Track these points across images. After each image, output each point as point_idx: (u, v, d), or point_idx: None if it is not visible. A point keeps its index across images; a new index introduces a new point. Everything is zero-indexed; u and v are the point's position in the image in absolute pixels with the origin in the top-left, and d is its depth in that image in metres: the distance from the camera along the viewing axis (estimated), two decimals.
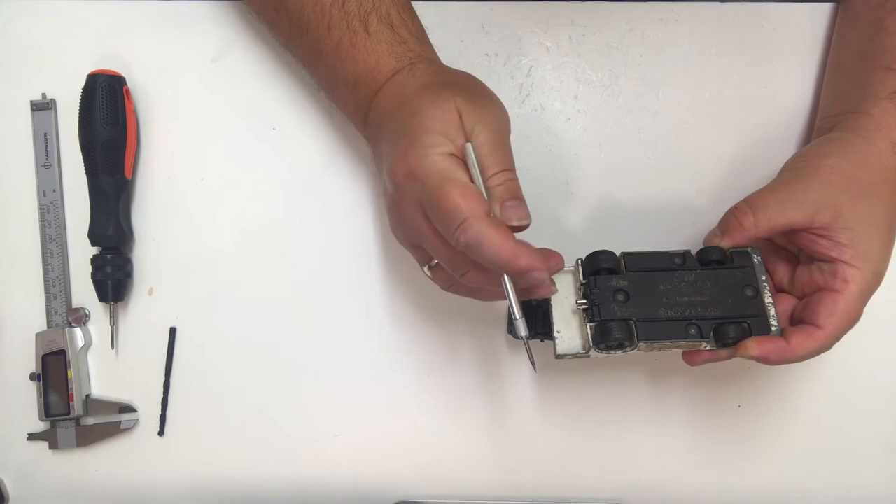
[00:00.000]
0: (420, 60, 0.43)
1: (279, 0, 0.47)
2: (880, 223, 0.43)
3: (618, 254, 0.45)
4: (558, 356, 0.44)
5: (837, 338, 0.42)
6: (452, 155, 0.38)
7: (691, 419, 0.54)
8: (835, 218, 0.42)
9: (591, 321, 0.43)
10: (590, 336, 0.43)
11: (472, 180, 0.39)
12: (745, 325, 0.43)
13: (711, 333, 0.43)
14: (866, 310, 0.43)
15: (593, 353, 0.43)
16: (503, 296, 0.40)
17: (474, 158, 0.38)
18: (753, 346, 0.42)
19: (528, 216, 0.39)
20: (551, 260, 0.41)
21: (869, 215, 0.42)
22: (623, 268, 0.44)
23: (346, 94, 0.47)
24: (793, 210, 0.43)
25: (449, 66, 0.46)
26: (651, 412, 0.54)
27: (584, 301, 0.44)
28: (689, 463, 0.54)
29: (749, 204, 0.44)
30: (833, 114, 0.50)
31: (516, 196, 0.39)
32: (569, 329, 0.45)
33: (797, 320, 0.44)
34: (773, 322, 0.43)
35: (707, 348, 0.43)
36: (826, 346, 0.42)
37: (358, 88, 0.45)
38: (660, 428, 0.54)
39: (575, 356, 0.44)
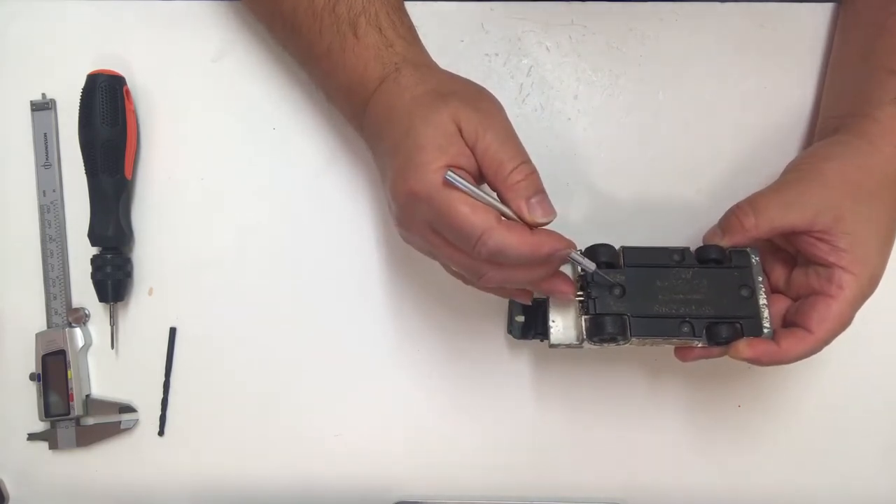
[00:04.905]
0: (406, 65, 0.43)
1: (273, 2, 0.47)
2: (881, 229, 0.43)
3: (617, 248, 0.45)
4: (552, 345, 0.45)
5: (827, 342, 0.42)
6: (449, 166, 0.39)
7: (691, 419, 0.54)
8: (835, 222, 0.42)
9: (585, 314, 0.44)
10: (584, 328, 0.44)
11: (472, 173, 0.40)
12: (738, 325, 0.43)
13: (704, 332, 0.43)
14: (867, 310, 0.43)
15: (586, 344, 0.44)
16: (521, 293, 0.44)
17: (462, 181, 0.38)
18: (745, 348, 0.42)
19: (553, 211, 0.40)
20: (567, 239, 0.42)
21: (870, 221, 0.42)
22: (622, 262, 0.45)
23: (340, 99, 0.48)
24: (794, 212, 0.43)
25: (436, 64, 0.46)
26: (651, 412, 0.54)
27: (581, 294, 0.44)
28: (689, 463, 0.53)
29: (751, 204, 0.44)
30: (836, 115, 0.50)
31: (539, 190, 0.40)
32: (564, 320, 0.46)
33: (789, 322, 0.44)
34: (766, 324, 0.43)
35: (699, 346, 0.44)
36: (816, 350, 0.42)
37: (351, 96, 0.46)
38: (660, 428, 0.54)
39: (569, 346, 0.45)
